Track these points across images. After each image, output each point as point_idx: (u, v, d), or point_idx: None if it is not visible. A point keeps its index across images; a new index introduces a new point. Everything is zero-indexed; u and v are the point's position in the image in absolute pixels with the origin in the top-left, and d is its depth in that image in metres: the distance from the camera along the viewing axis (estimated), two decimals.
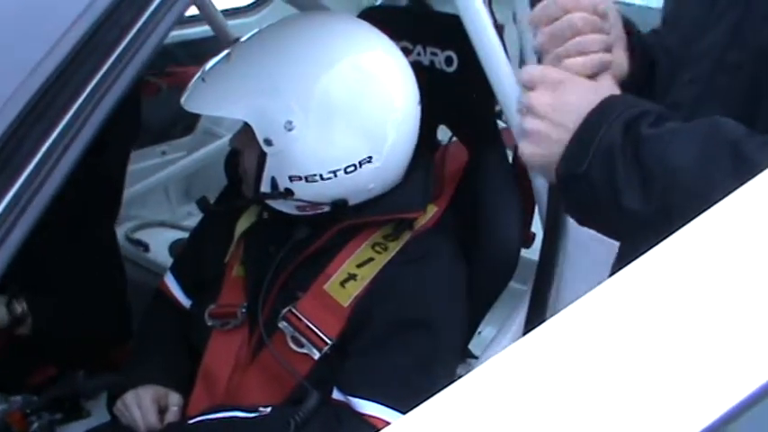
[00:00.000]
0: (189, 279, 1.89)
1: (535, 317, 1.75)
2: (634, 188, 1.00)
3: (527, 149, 1.10)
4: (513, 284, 1.82)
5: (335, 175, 1.58)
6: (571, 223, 1.73)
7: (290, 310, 1.62)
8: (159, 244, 2.84)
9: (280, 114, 1.54)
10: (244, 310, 1.70)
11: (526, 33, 1.69)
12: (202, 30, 2.90)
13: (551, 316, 1.66)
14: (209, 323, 1.73)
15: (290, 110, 1.54)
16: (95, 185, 2.09)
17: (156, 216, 3.08)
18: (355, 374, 1.57)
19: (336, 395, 1.56)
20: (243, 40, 1.68)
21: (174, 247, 2.78)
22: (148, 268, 2.70)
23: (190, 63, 3.13)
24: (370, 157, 1.59)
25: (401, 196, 1.68)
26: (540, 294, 1.75)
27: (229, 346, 1.71)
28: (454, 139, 1.89)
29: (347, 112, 1.56)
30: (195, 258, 1.89)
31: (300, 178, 1.59)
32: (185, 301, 1.88)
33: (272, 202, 1.67)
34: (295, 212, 1.67)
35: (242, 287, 1.73)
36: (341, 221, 1.65)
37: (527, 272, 1.83)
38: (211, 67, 1.62)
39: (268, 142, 1.56)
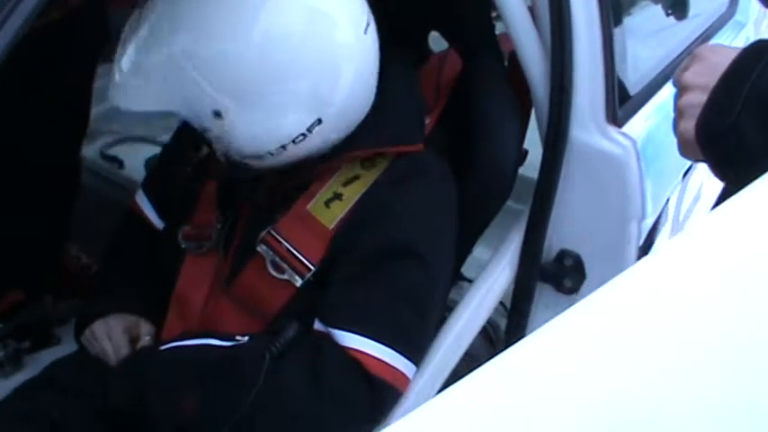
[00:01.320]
0: (161, 197, 1.76)
1: (533, 240, 1.64)
2: None
3: (680, 126, 1.00)
4: (507, 203, 1.70)
5: (285, 149, 1.44)
6: (573, 140, 1.60)
7: (269, 232, 1.49)
8: (134, 160, 2.72)
9: (204, 103, 1.39)
10: (218, 229, 1.58)
11: None
12: None
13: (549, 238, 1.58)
14: (183, 245, 1.61)
15: (212, 98, 1.38)
16: (58, 98, 1.99)
17: (132, 131, 2.94)
18: (338, 305, 1.45)
19: (317, 326, 1.45)
20: (146, 6, 1.44)
21: (150, 163, 2.65)
22: (122, 185, 2.58)
23: None
24: (319, 119, 1.42)
25: (393, 126, 1.53)
26: (538, 216, 1.62)
27: (204, 270, 1.59)
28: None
29: (277, 84, 1.38)
30: (167, 175, 1.75)
31: (250, 156, 1.47)
32: (157, 222, 1.76)
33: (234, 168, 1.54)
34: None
35: (217, 205, 1.60)
36: (327, 159, 1.51)
37: (522, 190, 1.71)
38: (124, 52, 1.42)
39: (205, 129, 1.44)
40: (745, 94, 0.91)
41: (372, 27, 1.46)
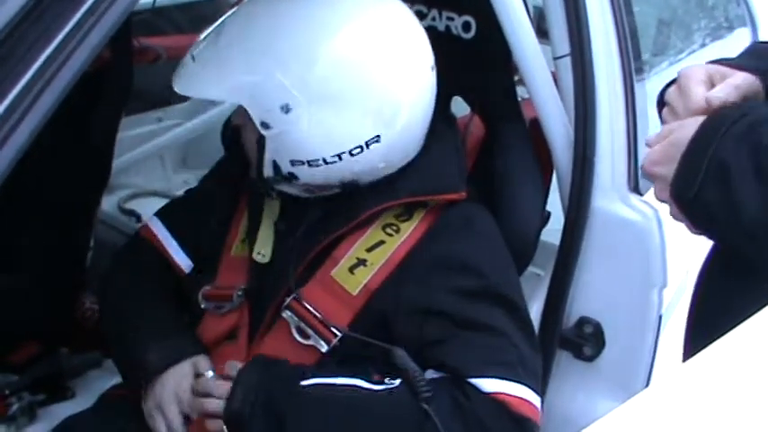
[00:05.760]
0: (187, 238, 1.72)
1: (554, 307, 1.64)
2: (755, 202, 0.97)
3: (657, 195, 1.12)
4: (528, 268, 1.71)
5: (340, 159, 1.45)
6: (595, 208, 1.61)
7: (294, 298, 1.48)
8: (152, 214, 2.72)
9: (275, 96, 1.40)
10: (240, 293, 1.56)
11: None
12: None
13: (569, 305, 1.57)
14: (203, 305, 1.59)
15: (286, 90, 1.40)
16: (81, 151, 2.01)
17: (151, 185, 2.97)
18: (461, 356, 1.42)
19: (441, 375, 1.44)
20: (233, 10, 1.52)
21: None
22: None
23: (189, 27, 3.03)
24: (378, 136, 1.45)
25: (441, 175, 1.54)
26: (559, 283, 1.63)
27: (224, 329, 1.58)
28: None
29: (350, 89, 1.42)
30: (194, 217, 1.72)
31: (303, 163, 1.45)
32: (186, 264, 1.70)
33: (277, 185, 1.53)
34: (304, 195, 1.54)
35: (241, 268, 1.59)
36: (372, 203, 1.50)
37: (543, 255, 1.72)
38: (201, 45, 1.48)
39: (265, 125, 1.43)
40: (705, 166, 1.00)
41: (434, 70, 1.51)
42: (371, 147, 1.45)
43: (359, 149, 1.44)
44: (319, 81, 1.40)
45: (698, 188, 1.00)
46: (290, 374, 1.44)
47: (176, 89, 1.45)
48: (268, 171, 1.49)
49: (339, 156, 1.44)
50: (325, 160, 1.44)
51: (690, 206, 1.04)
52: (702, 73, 1.12)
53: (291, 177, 1.48)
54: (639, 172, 1.66)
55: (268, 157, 1.47)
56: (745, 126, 0.99)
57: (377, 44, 1.44)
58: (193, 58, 1.45)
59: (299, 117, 1.40)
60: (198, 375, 1.52)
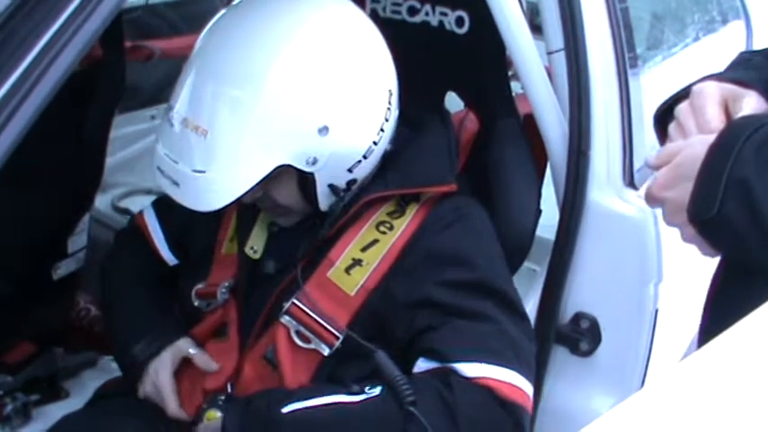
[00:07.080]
0: (176, 237, 1.74)
1: (550, 301, 1.63)
2: None
3: (668, 220, 1.08)
4: (524, 264, 1.70)
5: (376, 144, 1.46)
6: (590, 202, 1.61)
7: (292, 303, 1.47)
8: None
9: (307, 130, 1.37)
10: (224, 290, 1.56)
11: None
12: None
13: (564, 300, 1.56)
14: (196, 303, 1.59)
15: (315, 116, 1.37)
16: (74, 148, 2.00)
17: (145, 183, 2.95)
18: (449, 341, 1.41)
19: (431, 365, 1.42)
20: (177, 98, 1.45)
21: None
22: None
23: (182, 25, 3.03)
24: (387, 119, 1.46)
25: (430, 167, 1.54)
26: (555, 278, 1.63)
27: (209, 327, 1.58)
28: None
29: (366, 82, 1.43)
30: (183, 215, 1.70)
31: (359, 161, 1.45)
32: (169, 258, 1.73)
33: (341, 204, 1.50)
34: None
35: (231, 265, 1.59)
36: (363, 195, 1.50)
37: (538, 251, 1.71)
38: (195, 149, 1.37)
39: (312, 162, 1.40)
40: (724, 183, 0.96)
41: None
42: (384, 127, 1.46)
43: (381, 132, 1.46)
44: (334, 90, 1.38)
45: (719, 207, 0.96)
46: (269, 404, 1.42)
47: (200, 208, 1.41)
48: (324, 203, 1.48)
49: (375, 142, 1.45)
50: (364, 156, 1.45)
51: (711, 227, 0.99)
52: (718, 93, 1.09)
53: (351, 184, 1.48)
54: (634, 173, 1.66)
55: (322, 188, 1.45)
56: (761, 139, 0.96)
57: (360, 38, 1.45)
58: (196, 172, 1.37)
59: (339, 127, 1.39)
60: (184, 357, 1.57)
